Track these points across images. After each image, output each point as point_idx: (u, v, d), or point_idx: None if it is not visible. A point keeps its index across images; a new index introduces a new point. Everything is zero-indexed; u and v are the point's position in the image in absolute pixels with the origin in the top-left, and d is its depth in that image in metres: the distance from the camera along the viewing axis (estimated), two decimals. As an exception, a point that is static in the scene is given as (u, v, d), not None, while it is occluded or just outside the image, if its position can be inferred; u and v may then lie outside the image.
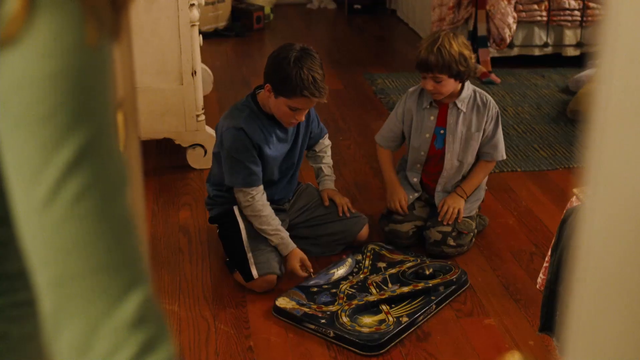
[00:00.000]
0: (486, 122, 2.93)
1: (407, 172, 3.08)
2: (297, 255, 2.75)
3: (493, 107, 2.95)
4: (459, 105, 2.91)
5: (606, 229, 0.54)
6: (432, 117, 2.96)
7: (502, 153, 2.99)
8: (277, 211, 2.85)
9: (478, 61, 4.94)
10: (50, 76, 0.62)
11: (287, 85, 2.61)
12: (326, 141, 3.10)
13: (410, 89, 3.07)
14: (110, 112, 0.67)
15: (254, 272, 2.67)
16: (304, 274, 2.74)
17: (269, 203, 2.77)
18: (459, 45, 2.80)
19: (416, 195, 3.05)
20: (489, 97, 2.97)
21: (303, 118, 2.75)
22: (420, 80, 2.91)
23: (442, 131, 2.96)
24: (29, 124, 0.63)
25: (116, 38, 0.70)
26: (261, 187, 2.75)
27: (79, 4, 0.64)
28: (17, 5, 0.62)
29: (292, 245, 2.76)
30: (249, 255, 2.70)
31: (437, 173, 3.02)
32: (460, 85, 2.89)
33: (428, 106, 2.95)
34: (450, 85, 2.84)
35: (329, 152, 3.11)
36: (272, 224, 2.75)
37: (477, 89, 2.99)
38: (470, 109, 2.93)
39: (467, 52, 2.81)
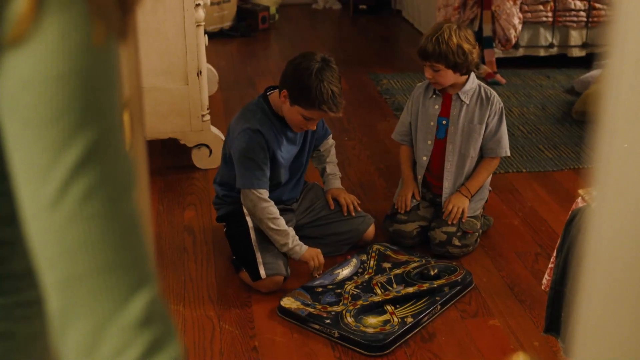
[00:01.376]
0: (489, 116, 2.95)
1: (415, 168, 3.10)
2: (314, 251, 2.75)
3: (497, 102, 2.96)
4: (462, 97, 2.94)
5: (613, 230, 0.53)
6: (436, 106, 2.99)
7: (505, 149, 3.00)
8: (285, 211, 2.86)
9: (483, 62, 4.94)
10: (58, 77, 0.63)
11: (306, 96, 2.63)
12: (330, 141, 3.10)
13: (420, 83, 3.13)
14: (117, 112, 0.67)
15: (262, 272, 2.67)
16: (314, 271, 2.75)
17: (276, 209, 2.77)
18: (459, 38, 2.83)
19: (415, 202, 3.04)
20: (494, 92, 2.99)
21: (315, 127, 2.79)
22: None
23: (444, 122, 2.98)
24: (36, 124, 0.63)
25: (123, 38, 0.70)
26: (267, 191, 2.74)
27: (86, 5, 0.64)
28: (24, 5, 0.62)
29: (304, 248, 2.74)
30: (258, 254, 2.70)
31: (440, 167, 3.01)
32: (464, 78, 2.92)
33: (433, 95, 2.99)
34: (448, 76, 2.87)
35: (333, 152, 3.11)
36: (280, 230, 2.72)
37: (483, 84, 3.02)
38: (474, 102, 2.95)
39: (466, 46, 2.83)
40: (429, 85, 3.01)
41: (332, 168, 3.08)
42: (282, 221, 2.73)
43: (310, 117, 2.69)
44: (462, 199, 2.97)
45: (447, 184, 3.01)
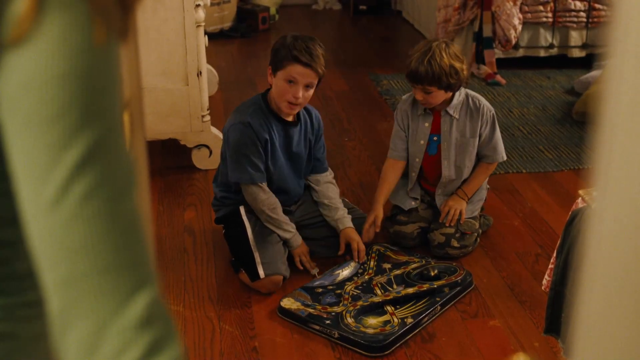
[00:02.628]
0: (481, 126, 2.91)
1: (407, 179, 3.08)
2: (299, 251, 2.83)
3: (487, 110, 2.92)
4: (451, 112, 2.89)
5: (614, 231, 0.54)
6: (426, 124, 2.94)
7: (502, 154, 2.97)
8: (284, 212, 2.86)
9: (484, 62, 4.94)
10: (59, 77, 0.63)
11: (280, 54, 2.68)
12: (328, 177, 3.00)
13: (404, 97, 3.04)
14: (118, 113, 0.67)
15: (261, 272, 2.67)
16: (310, 270, 2.81)
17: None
18: (450, 57, 2.75)
19: (414, 204, 3.03)
20: (483, 101, 2.93)
21: (299, 94, 2.69)
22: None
23: (435, 138, 2.95)
24: (37, 125, 0.63)
25: (123, 38, 0.70)
26: (265, 183, 2.76)
27: (87, 5, 0.64)
28: (25, 5, 0.62)
29: (300, 239, 2.83)
30: (256, 254, 2.70)
31: (436, 178, 3.01)
32: (451, 93, 2.86)
33: (422, 113, 2.94)
34: (440, 96, 2.81)
35: (334, 191, 2.98)
36: (283, 215, 2.81)
37: (470, 92, 2.95)
38: (463, 115, 2.90)
39: (458, 65, 2.76)
40: (415, 99, 2.93)
41: (336, 205, 2.93)
42: (280, 210, 2.79)
43: (292, 77, 2.67)
44: (459, 201, 2.97)
45: (439, 192, 3.01)
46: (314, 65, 2.66)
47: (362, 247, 2.86)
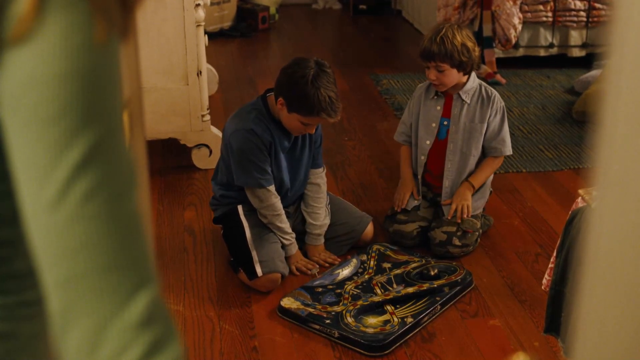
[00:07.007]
0: (490, 115, 2.94)
1: (413, 167, 3.09)
2: (293, 260, 2.84)
3: (498, 100, 2.96)
4: (463, 96, 2.94)
5: (614, 230, 0.54)
6: (438, 107, 2.98)
7: (509, 148, 3.01)
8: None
9: (483, 62, 4.94)
10: (60, 76, 0.63)
11: (304, 105, 2.63)
12: (319, 179, 2.97)
13: (420, 84, 3.12)
14: (119, 112, 0.67)
15: (258, 270, 2.67)
16: (308, 273, 2.81)
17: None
18: (462, 37, 2.84)
19: (416, 203, 3.04)
20: (495, 92, 2.99)
21: (313, 131, 2.79)
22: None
23: (445, 122, 2.97)
24: (38, 124, 0.63)
25: (124, 38, 0.70)
26: (273, 186, 2.76)
27: (88, 4, 0.64)
28: (27, 5, 0.62)
29: (296, 248, 2.85)
30: (253, 253, 2.70)
31: (440, 167, 3.01)
32: (465, 77, 2.92)
33: (435, 96, 2.99)
34: (453, 76, 2.86)
35: (320, 194, 2.95)
36: (285, 223, 2.81)
37: (484, 83, 3.02)
38: (475, 101, 2.95)
39: (470, 44, 2.85)
40: (430, 85, 3.00)
41: (315, 217, 2.92)
42: (284, 217, 2.81)
43: (309, 123, 2.70)
44: (465, 194, 2.96)
45: (447, 183, 3.01)
46: (336, 118, 2.69)
47: (309, 266, 2.85)
